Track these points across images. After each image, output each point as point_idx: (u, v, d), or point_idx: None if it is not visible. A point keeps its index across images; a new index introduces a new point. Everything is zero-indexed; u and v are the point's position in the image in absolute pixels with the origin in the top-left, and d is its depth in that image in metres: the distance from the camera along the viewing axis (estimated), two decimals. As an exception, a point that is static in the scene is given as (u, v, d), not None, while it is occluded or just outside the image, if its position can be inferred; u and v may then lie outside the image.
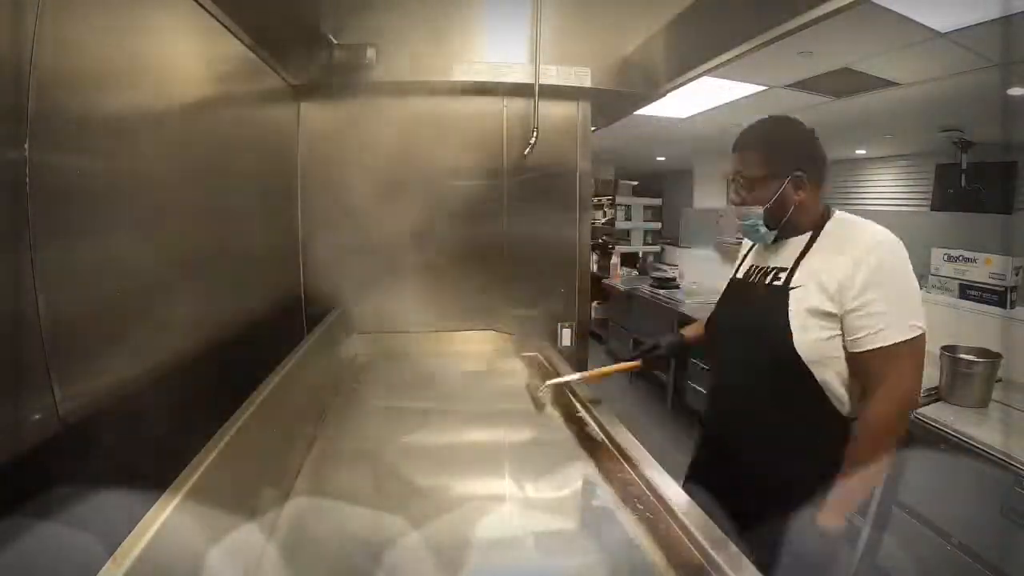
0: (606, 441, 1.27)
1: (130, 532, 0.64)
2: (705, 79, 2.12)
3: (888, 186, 6.21)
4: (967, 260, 2.40)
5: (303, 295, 2.06)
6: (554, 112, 2.11)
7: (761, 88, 3.27)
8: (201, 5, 1.22)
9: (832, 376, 1.11)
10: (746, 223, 1.24)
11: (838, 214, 1.19)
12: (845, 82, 3.01)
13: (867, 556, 2.00)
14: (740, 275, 1.34)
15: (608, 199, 6.09)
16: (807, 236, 1.19)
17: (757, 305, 1.21)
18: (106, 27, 0.91)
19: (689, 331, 1.53)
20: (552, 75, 2.00)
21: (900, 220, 3.73)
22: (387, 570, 0.85)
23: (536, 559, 0.91)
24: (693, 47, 1.83)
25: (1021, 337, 2.15)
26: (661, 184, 8.17)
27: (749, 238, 1.31)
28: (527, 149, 2.08)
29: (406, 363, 1.99)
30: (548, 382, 1.49)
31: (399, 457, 1.26)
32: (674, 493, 0.97)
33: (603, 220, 6.14)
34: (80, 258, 0.84)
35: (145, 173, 1.02)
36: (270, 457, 1.05)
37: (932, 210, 5.14)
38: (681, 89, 2.17)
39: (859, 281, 1.05)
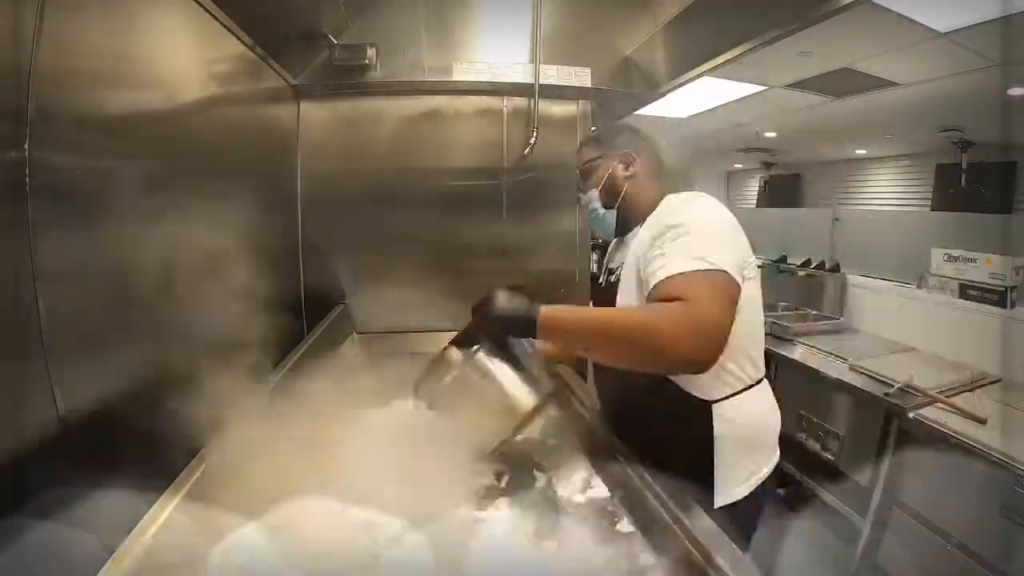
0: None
1: (130, 532, 0.64)
2: (705, 79, 2.13)
3: (888, 186, 6.23)
4: (967, 260, 2.39)
5: (303, 294, 2.06)
6: (554, 112, 2.11)
7: (761, 88, 3.28)
8: (201, 5, 1.22)
9: None
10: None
11: (669, 196, 1.17)
12: (845, 82, 3.02)
13: (867, 556, 2.00)
14: (600, 280, 1.31)
15: (608, 199, 6.09)
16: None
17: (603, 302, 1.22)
18: (106, 27, 0.91)
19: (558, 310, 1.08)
20: (552, 75, 2.01)
21: (900, 220, 3.72)
22: (386, 569, 0.85)
23: (532, 558, 0.91)
24: (693, 47, 1.83)
25: (1021, 337, 2.15)
26: (661, 184, 8.16)
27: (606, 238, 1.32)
28: (527, 149, 2.08)
29: (406, 362, 1.99)
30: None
31: (399, 456, 1.26)
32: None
33: (603, 220, 6.14)
34: (80, 257, 0.84)
35: (145, 172, 1.02)
36: (270, 457, 1.05)
37: (932, 210, 5.16)
38: (681, 89, 2.17)
39: (652, 240, 1.02)
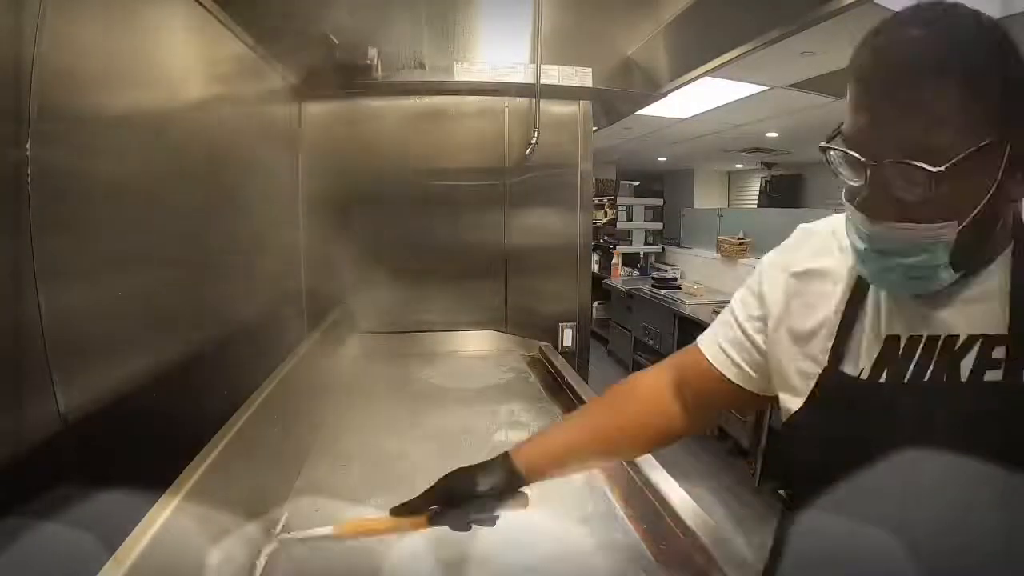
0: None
1: (130, 532, 0.63)
2: (706, 79, 2.12)
3: (890, 186, 6.22)
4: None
5: (304, 294, 2.06)
6: (555, 112, 2.11)
7: (763, 88, 3.27)
8: (202, 4, 1.22)
9: None
10: (910, 261, 0.53)
11: None
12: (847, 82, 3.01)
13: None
14: (862, 366, 0.60)
15: (609, 199, 6.09)
16: (1006, 259, 0.55)
17: (957, 422, 0.54)
18: (107, 26, 0.91)
19: (534, 450, 0.79)
20: (553, 75, 2.00)
21: (902, 221, 3.70)
22: (387, 570, 0.85)
23: (534, 558, 0.91)
24: (694, 47, 1.83)
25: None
26: (662, 184, 8.17)
27: (898, 289, 0.58)
28: (528, 149, 2.08)
29: (407, 363, 1.99)
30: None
31: (399, 458, 1.26)
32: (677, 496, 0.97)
33: (604, 220, 6.15)
34: (81, 257, 0.84)
35: (146, 172, 1.02)
36: (271, 457, 1.05)
37: (934, 210, 5.16)
38: (682, 89, 2.17)
39: None
